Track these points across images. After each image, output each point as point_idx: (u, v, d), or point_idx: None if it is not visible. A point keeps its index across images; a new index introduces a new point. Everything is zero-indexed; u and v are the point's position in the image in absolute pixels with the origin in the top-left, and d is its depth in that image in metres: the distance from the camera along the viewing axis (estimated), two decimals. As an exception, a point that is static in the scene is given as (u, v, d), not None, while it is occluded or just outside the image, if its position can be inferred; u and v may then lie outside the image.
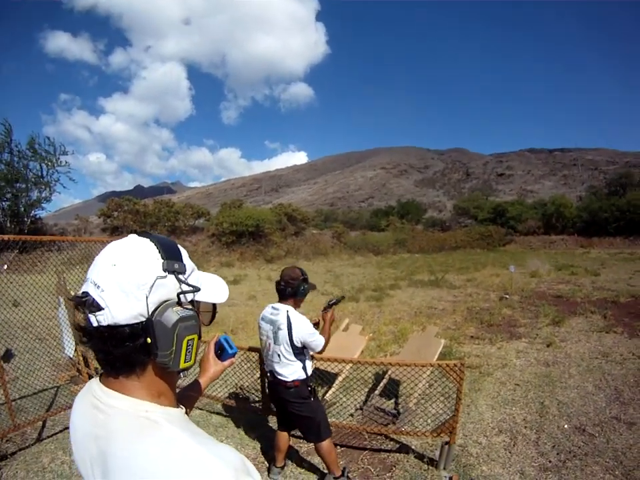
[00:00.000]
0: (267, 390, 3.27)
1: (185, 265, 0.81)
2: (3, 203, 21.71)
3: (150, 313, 0.73)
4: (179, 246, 0.84)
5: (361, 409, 4.30)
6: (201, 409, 4.35)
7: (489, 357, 5.82)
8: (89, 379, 4.69)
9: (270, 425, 3.95)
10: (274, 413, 3.65)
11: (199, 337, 0.81)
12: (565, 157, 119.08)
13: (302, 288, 2.76)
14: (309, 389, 2.82)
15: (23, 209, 22.14)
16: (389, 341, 6.75)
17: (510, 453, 3.42)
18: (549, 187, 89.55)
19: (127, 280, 0.72)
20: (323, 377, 4.63)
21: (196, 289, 0.80)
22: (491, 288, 12.28)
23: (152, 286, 0.73)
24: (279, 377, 2.79)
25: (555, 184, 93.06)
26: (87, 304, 0.71)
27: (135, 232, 0.82)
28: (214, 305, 0.94)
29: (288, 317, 2.70)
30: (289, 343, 2.70)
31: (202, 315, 0.87)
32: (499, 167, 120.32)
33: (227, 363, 1.27)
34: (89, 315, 0.72)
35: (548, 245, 33.49)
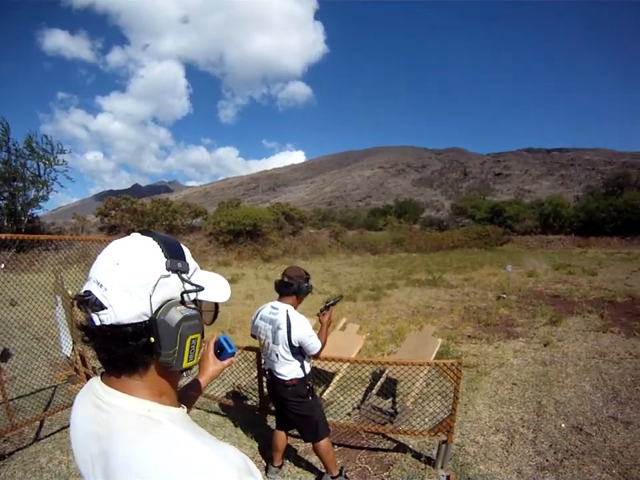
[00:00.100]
0: (266, 389, 3.28)
1: (188, 264, 0.81)
2: (0, 202, 21.64)
3: (153, 312, 0.73)
4: (182, 245, 0.83)
5: (359, 408, 4.30)
6: (198, 408, 4.34)
7: (486, 356, 5.83)
8: (87, 378, 4.68)
9: (268, 424, 3.95)
10: (271, 412, 3.66)
11: (202, 337, 0.80)
12: (562, 156, 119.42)
13: (305, 286, 2.78)
14: (307, 387, 2.82)
15: (20, 207, 22.05)
16: (386, 340, 6.76)
17: (507, 452, 3.43)
18: (546, 186, 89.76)
19: (131, 279, 0.72)
20: (320, 376, 4.63)
21: (200, 288, 0.80)
22: (488, 287, 12.32)
23: (155, 285, 0.73)
24: (278, 376, 2.79)
25: (553, 184, 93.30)
26: (89, 303, 0.71)
27: (138, 231, 0.82)
28: (216, 304, 0.94)
29: (287, 317, 2.69)
30: (287, 343, 2.69)
31: (204, 314, 0.87)
32: (497, 166, 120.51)
33: (226, 362, 1.27)
34: (92, 314, 0.71)
35: (545, 245, 33.62)
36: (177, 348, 0.75)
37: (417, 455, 3.39)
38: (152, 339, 0.73)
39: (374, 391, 4.51)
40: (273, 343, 2.75)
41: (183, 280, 0.78)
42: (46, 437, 3.76)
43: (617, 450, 3.36)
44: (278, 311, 2.75)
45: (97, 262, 0.76)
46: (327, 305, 2.93)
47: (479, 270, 17.11)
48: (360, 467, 3.31)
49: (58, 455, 3.43)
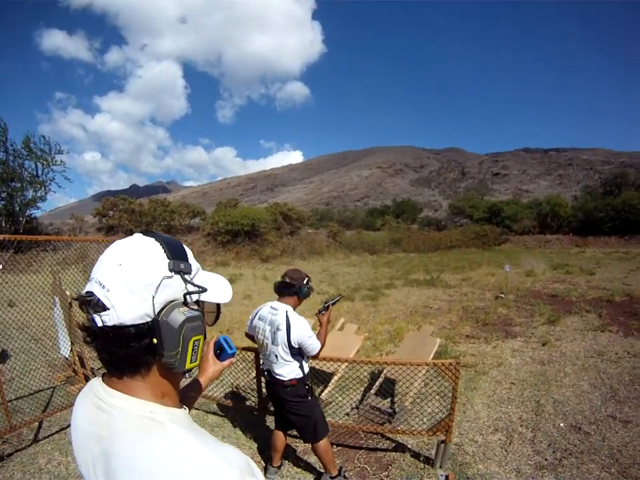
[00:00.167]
0: (264, 389, 3.27)
1: (190, 265, 0.81)
2: (-2, 203, 21.58)
3: (156, 313, 0.73)
4: (184, 246, 0.83)
5: (357, 408, 4.30)
6: (197, 409, 4.34)
7: (485, 356, 5.84)
8: (85, 379, 4.67)
9: (266, 424, 3.95)
10: (270, 413, 3.65)
11: (205, 338, 0.81)
12: (560, 156, 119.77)
13: (305, 288, 2.78)
14: (306, 387, 2.81)
15: (18, 208, 21.96)
16: (384, 340, 6.76)
17: (506, 451, 3.44)
18: (544, 186, 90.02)
19: (133, 280, 0.71)
20: (319, 376, 4.63)
21: (202, 289, 0.80)
22: (486, 287, 12.33)
23: (158, 286, 0.73)
24: (276, 377, 2.79)
25: (550, 183, 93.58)
26: (91, 304, 0.71)
27: (140, 231, 0.81)
28: (218, 305, 0.93)
29: (287, 318, 2.69)
30: (286, 344, 2.68)
31: (206, 315, 0.87)
32: (495, 166, 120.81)
33: (226, 363, 1.27)
34: (94, 315, 0.71)
35: (543, 244, 33.72)
36: (180, 349, 0.75)
37: (416, 455, 3.39)
38: (154, 340, 0.73)
39: (372, 391, 4.52)
40: (272, 343, 2.74)
41: (185, 281, 0.78)
42: (45, 438, 3.75)
43: (615, 449, 3.37)
44: (277, 311, 2.74)
45: (99, 262, 0.76)
46: (327, 304, 2.92)
47: (477, 270, 17.14)
48: (359, 466, 3.31)
49: (57, 456, 3.41)
